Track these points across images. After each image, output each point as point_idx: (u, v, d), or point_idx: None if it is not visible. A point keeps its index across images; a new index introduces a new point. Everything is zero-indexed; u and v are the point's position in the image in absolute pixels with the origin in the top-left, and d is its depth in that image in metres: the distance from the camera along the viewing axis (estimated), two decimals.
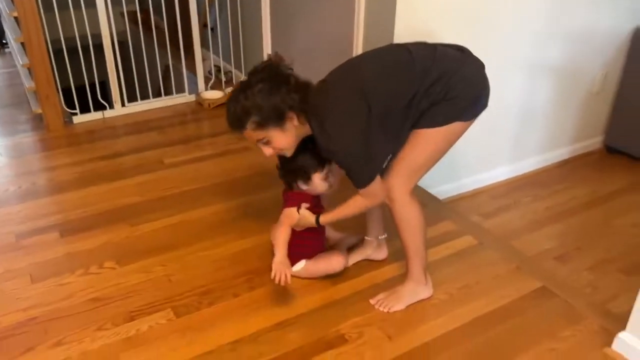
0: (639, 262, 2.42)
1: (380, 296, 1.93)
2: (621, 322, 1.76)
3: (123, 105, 3.46)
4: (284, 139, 1.71)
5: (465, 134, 1.74)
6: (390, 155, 1.80)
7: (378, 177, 1.72)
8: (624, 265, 2.41)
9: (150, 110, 3.53)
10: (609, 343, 1.74)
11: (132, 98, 3.51)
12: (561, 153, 3.24)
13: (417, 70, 1.67)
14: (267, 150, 1.76)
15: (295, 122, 1.69)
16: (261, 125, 1.67)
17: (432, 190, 2.73)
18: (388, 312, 1.87)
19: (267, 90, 1.63)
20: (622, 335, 1.70)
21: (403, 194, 1.79)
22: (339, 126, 1.65)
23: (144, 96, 3.55)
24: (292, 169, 1.87)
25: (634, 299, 2.17)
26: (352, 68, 1.77)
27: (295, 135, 1.73)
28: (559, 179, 3.10)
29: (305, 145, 1.80)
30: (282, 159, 1.90)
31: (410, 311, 1.89)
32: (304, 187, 1.89)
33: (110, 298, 1.93)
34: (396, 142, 1.77)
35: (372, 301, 1.92)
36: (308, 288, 1.90)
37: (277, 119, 1.66)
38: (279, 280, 1.76)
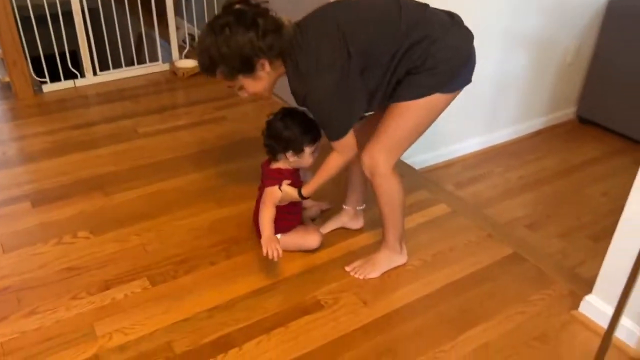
0: (606, 229, 2.47)
1: (356, 264, 1.95)
2: (589, 286, 1.82)
3: (95, 74, 3.38)
4: (257, 85, 1.65)
5: None
6: (365, 116, 1.75)
7: (352, 131, 1.67)
8: (592, 232, 2.47)
9: (123, 79, 3.45)
10: (576, 306, 1.80)
11: (104, 67, 3.42)
12: (534, 124, 3.28)
13: (402, 25, 1.59)
14: (243, 94, 1.72)
15: (267, 67, 1.60)
16: (230, 74, 1.60)
17: (408, 161, 2.75)
18: (364, 279, 1.90)
19: (234, 37, 1.52)
20: (588, 298, 1.75)
21: (385, 169, 1.76)
22: (316, 70, 1.56)
23: (117, 65, 3.47)
24: (285, 139, 1.83)
25: (601, 264, 2.24)
26: (335, 11, 1.65)
27: (269, 80, 1.66)
28: (532, 150, 3.15)
29: (301, 117, 1.81)
30: (273, 128, 1.86)
31: (385, 278, 1.92)
32: (292, 158, 1.87)
33: (84, 267, 1.92)
34: (371, 101, 1.69)
35: (347, 268, 1.94)
36: (285, 256, 1.90)
37: (246, 67, 1.58)
38: (272, 256, 1.75)
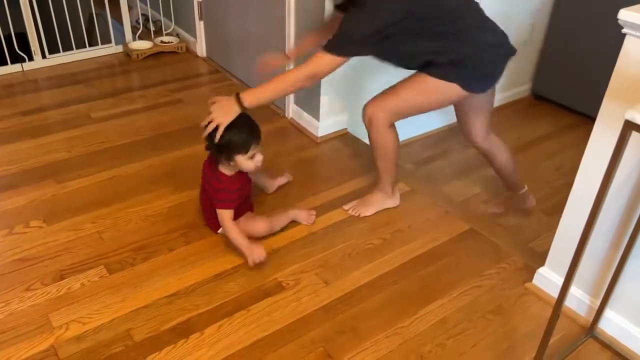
0: (559, 203, 2.53)
1: (353, 203, 2.12)
2: (542, 259, 1.88)
3: (44, 57, 3.25)
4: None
5: None
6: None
7: (340, 62, 1.73)
8: (546, 206, 2.54)
9: (74, 62, 3.33)
10: (530, 279, 1.86)
11: (53, 49, 3.29)
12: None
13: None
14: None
15: None
16: None
17: (367, 140, 2.76)
18: (358, 217, 2.10)
19: None
20: (541, 270, 1.81)
21: (383, 124, 1.92)
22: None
23: (67, 47, 3.35)
24: (218, 145, 1.78)
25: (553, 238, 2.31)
26: None
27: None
28: (491, 126, 3.20)
29: (236, 121, 1.76)
30: (211, 132, 1.78)
31: (345, 258, 1.93)
32: (227, 164, 1.84)
33: (38, 258, 1.87)
34: (385, 55, 1.86)
35: (345, 207, 2.10)
36: None
37: None
38: (259, 261, 1.83)
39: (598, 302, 1.66)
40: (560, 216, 2.44)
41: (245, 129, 1.79)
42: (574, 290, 1.72)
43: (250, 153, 1.80)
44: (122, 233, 2.00)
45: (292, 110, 2.76)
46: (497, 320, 1.72)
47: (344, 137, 2.68)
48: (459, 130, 3.15)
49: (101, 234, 1.99)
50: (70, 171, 2.32)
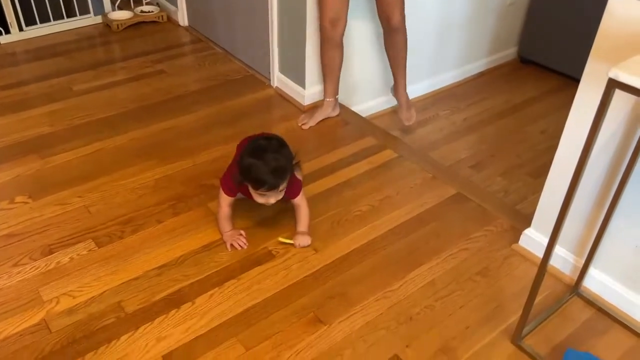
0: (545, 166, 2.55)
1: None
2: (528, 221, 1.90)
3: (21, 29, 3.17)
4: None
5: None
6: None
7: None
8: (531, 169, 2.56)
9: (53, 35, 3.25)
10: (516, 240, 1.89)
11: (30, 22, 3.21)
12: (478, 65, 3.31)
13: None
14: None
15: None
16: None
17: (355, 108, 2.75)
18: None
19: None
20: (527, 231, 1.84)
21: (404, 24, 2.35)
22: None
23: (44, 19, 3.26)
24: (241, 167, 1.70)
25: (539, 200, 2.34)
26: None
27: None
28: (476, 91, 3.20)
29: (268, 153, 1.68)
30: (244, 148, 1.74)
31: (334, 225, 1.94)
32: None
33: (25, 233, 1.85)
34: None
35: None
36: (235, 211, 1.89)
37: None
38: (238, 248, 1.81)
39: (582, 261, 1.69)
40: (545, 179, 2.49)
41: (268, 169, 1.65)
42: (558, 249, 1.75)
43: (260, 191, 1.71)
44: (109, 206, 1.99)
45: (278, 78, 2.73)
46: (484, 282, 1.75)
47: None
48: (445, 95, 3.17)
49: (88, 207, 1.98)
50: (54, 145, 2.29)
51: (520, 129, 2.87)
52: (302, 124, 2.48)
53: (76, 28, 3.33)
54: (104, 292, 1.66)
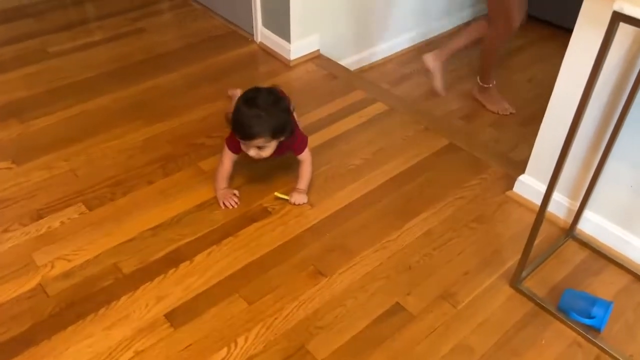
0: (533, 114, 2.57)
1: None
2: (521, 167, 1.91)
3: None
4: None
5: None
6: None
7: None
8: (521, 118, 2.56)
9: None
10: (510, 186, 1.89)
11: None
12: (464, 15, 3.26)
13: None
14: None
15: None
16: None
17: (342, 62, 2.70)
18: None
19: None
20: (521, 177, 1.84)
21: None
22: None
23: None
24: (233, 112, 1.68)
25: (531, 147, 2.34)
26: None
27: None
28: None
29: (255, 105, 1.64)
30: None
31: (328, 180, 1.92)
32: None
33: (12, 199, 1.80)
34: None
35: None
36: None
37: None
38: (229, 206, 1.78)
39: (577, 204, 1.70)
40: (535, 127, 2.48)
41: (244, 120, 1.63)
42: (554, 194, 1.76)
43: (243, 144, 1.68)
44: (97, 169, 1.94)
45: (262, 33, 2.66)
46: (481, 228, 1.76)
47: (317, 59, 2.60)
48: (433, 46, 3.12)
49: (75, 171, 1.93)
50: (34, 109, 2.21)
51: (507, 78, 2.85)
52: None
53: None
54: (99, 254, 1.63)
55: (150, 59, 2.56)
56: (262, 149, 1.68)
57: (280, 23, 2.51)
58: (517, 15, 2.26)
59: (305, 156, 1.83)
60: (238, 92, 2.21)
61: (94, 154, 2.00)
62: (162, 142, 2.07)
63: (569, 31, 1.54)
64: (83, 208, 1.78)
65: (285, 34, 2.51)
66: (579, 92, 1.55)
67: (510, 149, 2.34)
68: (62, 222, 1.73)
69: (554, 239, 1.73)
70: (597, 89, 1.50)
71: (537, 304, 1.52)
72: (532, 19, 3.30)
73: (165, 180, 1.90)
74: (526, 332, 1.46)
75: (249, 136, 1.64)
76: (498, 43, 2.38)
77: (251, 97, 1.66)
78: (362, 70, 2.86)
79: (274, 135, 1.66)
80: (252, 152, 1.70)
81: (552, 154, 1.71)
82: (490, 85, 2.56)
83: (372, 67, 2.92)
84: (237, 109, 1.65)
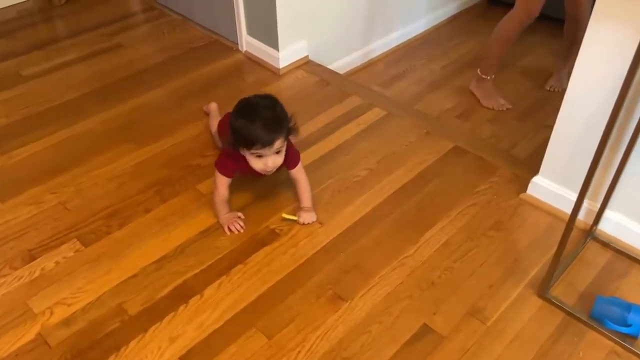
0: (528, 108, 2.54)
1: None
2: (529, 167, 1.86)
3: None
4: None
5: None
6: None
7: None
8: (517, 112, 2.52)
9: None
10: (522, 189, 1.83)
11: None
12: (448, 10, 3.21)
13: None
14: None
15: None
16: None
17: (331, 66, 2.61)
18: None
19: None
20: (535, 179, 1.78)
21: None
22: None
23: None
24: (232, 129, 1.56)
25: (531, 143, 2.30)
26: None
27: None
28: (449, 37, 3.10)
29: (261, 108, 1.55)
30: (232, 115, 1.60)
31: (335, 194, 1.84)
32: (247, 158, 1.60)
33: (0, 240, 1.68)
34: None
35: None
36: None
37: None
38: (235, 231, 1.69)
39: (595, 204, 1.66)
40: (533, 120, 2.45)
41: (260, 123, 1.51)
42: (569, 194, 1.71)
43: (254, 150, 1.55)
44: (88, 200, 1.82)
45: (247, 42, 2.55)
46: (499, 236, 1.70)
47: (306, 65, 2.51)
48: (420, 43, 3.06)
49: (65, 204, 1.80)
50: (14, 138, 2.07)
51: (499, 71, 2.79)
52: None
53: (13, 5, 3.01)
54: (101, 295, 1.52)
55: (132, 76, 2.44)
56: (280, 153, 1.59)
57: (266, 31, 2.41)
58: (538, 4, 2.20)
59: (300, 170, 1.74)
60: (213, 106, 2.12)
61: (83, 184, 1.88)
62: (155, 165, 1.96)
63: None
64: (78, 245, 1.66)
65: (272, 41, 2.41)
66: (594, 90, 1.51)
67: (511, 146, 2.29)
68: (56, 262, 1.61)
69: (573, 241, 1.67)
70: (614, 87, 1.45)
71: (569, 314, 1.46)
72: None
73: (163, 207, 1.79)
74: (561, 345, 1.41)
75: (272, 140, 1.53)
76: (513, 30, 2.34)
77: (252, 103, 1.57)
78: (351, 73, 2.78)
79: (288, 132, 1.59)
80: (270, 162, 1.58)
81: (568, 155, 1.66)
82: (488, 77, 2.51)
83: (361, 69, 2.84)
84: (242, 123, 1.53)
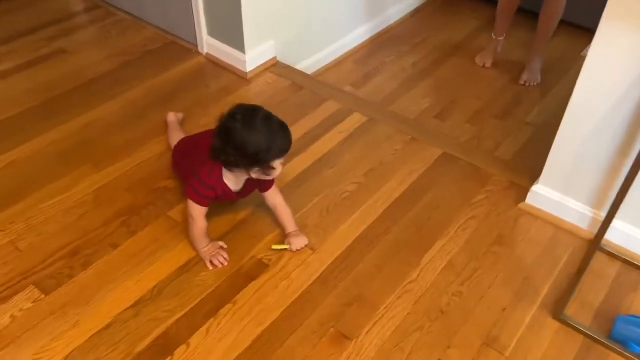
0: (506, 105, 2.45)
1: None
2: (520, 172, 1.80)
3: None
4: None
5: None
6: None
7: None
8: (495, 110, 2.43)
9: None
10: (520, 197, 1.74)
11: None
12: (412, 2, 3.08)
13: None
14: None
15: None
16: None
17: (299, 66, 2.44)
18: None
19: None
20: (534, 188, 1.69)
21: None
22: None
23: None
24: (251, 153, 1.37)
25: (514, 143, 2.21)
26: None
27: None
28: (416, 31, 2.98)
29: (268, 122, 1.39)
30: (232, 135, 1.37)
31: (323, 214, 1.69)
32: (256, 174, 1.44)
33: None
34: None
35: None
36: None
37: None
38: (218, 265, 1.50)
39: (600, 213, 1.58)
40: (512, 118, 2.37)
41: (277, 127, 1.40)
42: (573, 204, 1.63)
43: (275, 161, 1.41)
44: (43, 237, 1.59)
45: (208, 43, 2.34)
46: (503, 252, 1.59)
47: (274, 67, 2.33)
48: (386, 38, 2.92)
49: (16, 243, 1.57)
50: None
51: (470, 66, 2.71)
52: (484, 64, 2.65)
53: None
54: (71, 352, 1.32)
55: (81, 87, 2.18)
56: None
57: (231, 31, 2.20)
58: None
59: (275, 192, 1.58)
60: (171, 117, 1.92)
61: (35, 218, 1.64)
62: (118, 191, 1.74)
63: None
64: (37, 292, 1.44)
65: (238, 43, 2.21)
66: (603, 95, 1.41)
67: (494, 147, 2.20)
68: (12, 316, 1.39)
69: (579, 252, 1.60)
70: (625, 92, 1.36)
71: (588, 336, 1.38)
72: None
73: (132, 241, 1.58)
74: None
75: (289, 146, 1.41)
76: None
77: (248, 114, 1.38)
78: (320, 73, 2.61)
79: None
80: (277, 171, 1.43)
81: (572, 162, 1.58)
82: (495, 38, 2.63)
83: (330, 67, 2.68)
84: (260, 137, 1.35)
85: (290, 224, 1.58)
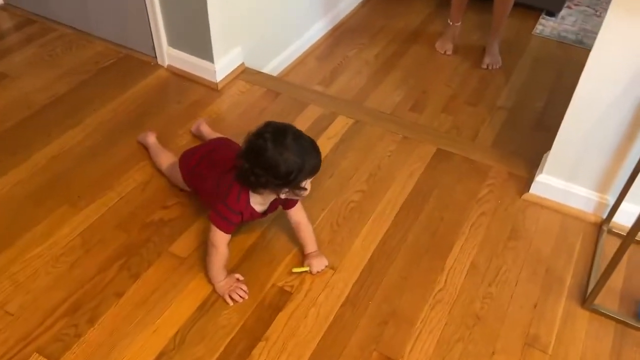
0: (475, 90, 2.47)
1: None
2: (521, 162, 1.81)
3: None
4: None
5: None
6: None
7: None
8: (466, 96, 2.44)
9: None
10: (522, 187, 1.76)
11: None
12: None
13: None
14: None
15: None
16: None
17: (265, 70, 2.33)
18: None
19: None
20: (540, 178, 1.70)
21: None
22: None
23: None
24: (283, 174, 1.28)
25: (491, 129, 2.23)
26: None
27: None
28: (370, 21, 2.93)
29: (300, 141, 1.31)
30: (263, 156, 1.27)
31: (335, 229, 1.62)
32: (284, 195, 1.35)
33: None
34: None
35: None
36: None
37: None
38: (239, 300, 1.41)
39: (606, 197, 1.62)
40: (485, 104, 2.38)
41: (310, 147, 1.33)
42: (578, 190, 1.66)
43: (308, 180, 1.35)
44: (35, 295, 1.41)
45: (169, 55, 2.17)
46: (521, 246, 1.60)
47: (244, 74, 2.21)
48: (344, 31, 2.85)
49: (4, 307, 1.39)
50: None
51: (432, 54, 2.70)
52: (445, 52, 2.66)
53: None
54: None
55: (35, 115, 1.96)
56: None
57: (196, 41, 2.05)
58: None
59: (300, 208, 1.50)
60: (151, 139, 1.79)
61: (20, 273, 1.46)
62: (107, 230, 1.58)
63: None
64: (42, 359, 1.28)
65: (205, 53, 2.07)
66: (609, 85, 1.43)
67: (474, 134, 2.20)
68: None
69: (591, 236, 1.63)
70: (632, 77, 1.38)
71: (619, 322, 1.41)
72: None
73: (137, 286, 1.45)
74: (627, 358, 1.35)
75: (319, 165, 1.35)
76: None
77: (279, 132, 1.30)
78: (285, 74, 2.52)
79: None
80: (307, 191, 1.36)
81: (577, 151, 1.60)
82: (451, 24, 2.66)
83: (294, 67, 2.59)
84: (288, 155, 1.27)
85: (311, 244, 1.50)
